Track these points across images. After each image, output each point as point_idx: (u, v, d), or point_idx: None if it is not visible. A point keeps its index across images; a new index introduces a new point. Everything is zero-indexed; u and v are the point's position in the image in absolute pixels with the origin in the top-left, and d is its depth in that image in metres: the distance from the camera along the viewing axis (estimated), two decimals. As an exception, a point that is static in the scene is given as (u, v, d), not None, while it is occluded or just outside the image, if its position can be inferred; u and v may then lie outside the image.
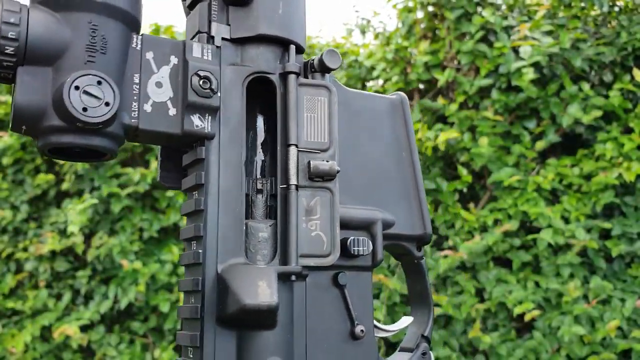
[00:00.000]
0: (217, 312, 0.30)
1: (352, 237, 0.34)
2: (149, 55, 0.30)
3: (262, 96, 0.34)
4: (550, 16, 2.13)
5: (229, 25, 0.33)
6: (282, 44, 0.33)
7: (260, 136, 0.34)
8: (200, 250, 0.30)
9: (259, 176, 0.34)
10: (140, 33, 0.31)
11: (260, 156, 0.34)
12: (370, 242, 0.34)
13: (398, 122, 0.37)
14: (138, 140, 0.31)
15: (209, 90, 0.30)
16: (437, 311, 1.84)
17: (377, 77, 2.20)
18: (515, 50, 2.01)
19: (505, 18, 2.13)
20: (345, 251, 0.33)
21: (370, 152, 0.36)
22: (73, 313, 2.18)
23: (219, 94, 0.31)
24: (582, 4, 2.13)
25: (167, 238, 2.23)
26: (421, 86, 2.22)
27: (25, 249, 2.29)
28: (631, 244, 1.94)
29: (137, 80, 0.30)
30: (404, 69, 2.19)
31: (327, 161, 0.32)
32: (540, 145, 1.99)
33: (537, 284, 1.92)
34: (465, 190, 2.07)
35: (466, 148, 1.99)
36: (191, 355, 0.31)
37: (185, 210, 0.32)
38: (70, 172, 2.25)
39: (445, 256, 1.90)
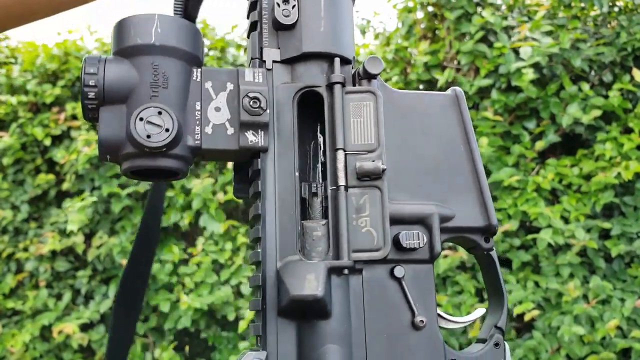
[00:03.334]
0: (277, 305, 0.34)
1: (404, 232, 0.35)
2: (208, 84, 0.36)
3: (317, 108, 0.37)
4: (550, 16, 2.14)
5: (279, 48, 0.37)
6: (326, 58, 0.37)
7: (317, 144, 0.38)
8: (259, 250, 0.35)
9: (316, 180, 0.37)
10: (199, 68, 0.37)
11: (317, 162, 0.38)
12: (423, 236, 0.35)
13: (453, 117, 0.38)
14: (204, 159, 0.37)
15: (258, 109, 0.35)
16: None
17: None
18: (515, 50, 2.01)
19: (505, 18, 2.13)
20: (398, 245, 0.35)
21: (424, 149, 0.37)
22: (73, 313, 2.18)
23: (268, 111, 0.36)
24: (582, 4, 2.13)
25: (167, 238, 2.23)
26: (421, 86, 2.22)
27: (25, 249, 2.29)
28: (631, 243, 1.94)
29: (198, 108, 0.35)
30: (404, 69, 2.19)
31: (373, 161, 0.35)
32: (540, 145, 1.99)
33: (536, 284, 1.92)
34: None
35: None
36: (258, 344, 0.35)
37: (250, 215, 0.37)
38: (71, 172, 2.25)
39: (445, 256, 1.90)
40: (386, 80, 2.19)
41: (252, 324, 0.36)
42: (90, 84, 0.34)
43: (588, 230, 1.93)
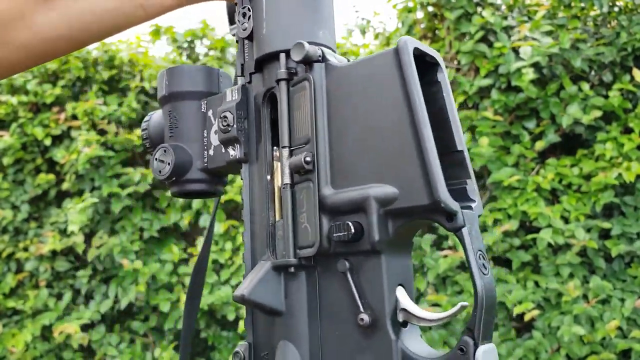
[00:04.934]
0: None
1: (333, 223, 0.33)
2: (210, 112, 0.41)
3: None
4: (550, 16, 2.14)
5: (254, 60, 0.39)
6: (276, 57, 0.37)
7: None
8: (243, 252, 0.38)
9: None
10: (206, 100, 0.43)
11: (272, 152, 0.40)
12: (352, 225, 0.32)
13: (395, 77, 0.32)
14: (216, 176, 0.43)
15: (227, 126, 0.39)
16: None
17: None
18: (515, 50, 2.01)
19: (505, 18, 2.13)
20: (329, 239, 0.33)
21: (367, 124, 0.33)
22: (73, 312, 2.18)
23: (235, 126, 0.38)
24: (582, 4, 2.13)
25: (167, 238, 2.24)
26: None
27: (25, 249, 2.29)
28: (631, 243, 1.94)
29: (205, 135, 0.41)
30: (404, 69, 2.19)
31: (305, 150, 0.35)
32: (540, 145, 1.99)
33: (536, 284, 1.92)
34: (465, 190, 2.07)
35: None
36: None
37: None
38: (71, 172, 2.25)
39: (445, 256, 1.90)
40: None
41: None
42: (144, 136, 0.46)
43: (588, 230, 1.93)
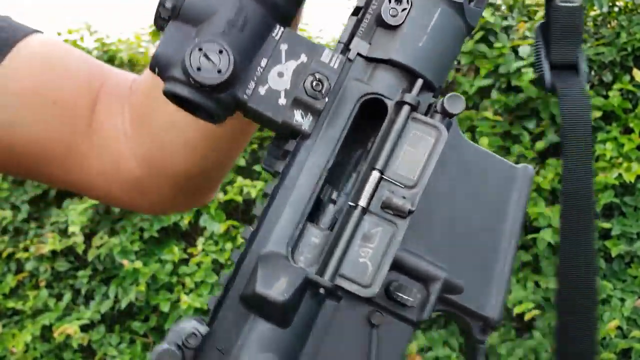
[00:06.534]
0: (242, 289, 0.31)
1: (400, 282, 0.32)
2: (283, 47, 0.33)
3: (378, 119, 0.33)
4: (550, 16, 2.14)
5: (370, 44, 0.33)
6: (411, 74, 0.33)
7: (362, 155, 0.34)
8: (252, 228, 0.32)
9: (340, 189, 0.34)
10: (283, 29, 0.33)
11: (353, 172, 0.34)
12: (419, 295, 0.31)
13: (511, 194, 0.33)
14: (246, 116, 0.34)
15: (318, 93, 0.32)
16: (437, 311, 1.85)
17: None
18: (515, 50, 2.02)
19: (505, 18, 2.14)
20: (388, 292, 0.31)
21: (465, 211, 0.33)
22: (73, 313, 2.18)
23: (326, 99, 0.32)
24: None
25: (167, 238, 2.24)
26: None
27: (25, 249, 2.29)
28: (631, 244, 1.94)
29: (263, 65, 0.32)
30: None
31: (404, 197, 0.31)
32: (540, 145, 2.00)
33: (537, 284, 1.92)
34: (465, 190, 2.07)
35: (466, 148, 1.99)
36: (209, 315, 0.32)
37: (265, 190, 0.34)
38: (71, 172, 2.25)
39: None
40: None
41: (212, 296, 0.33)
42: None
43: (588, 230, 1.93)
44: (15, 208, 2.36)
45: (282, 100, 0.32)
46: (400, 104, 0.32)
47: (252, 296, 0.30)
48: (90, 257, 2.16)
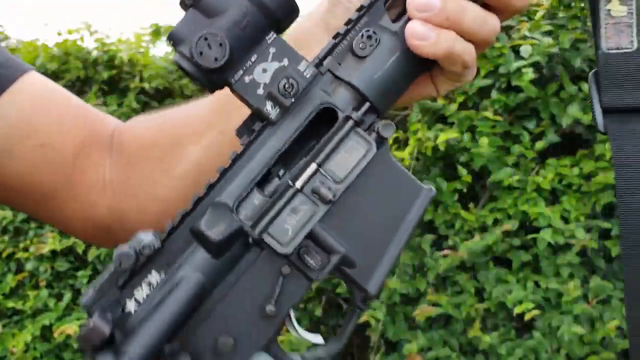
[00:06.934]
0: (193, 223, 0.39)
1: (311, 248, 0.40)
2: (272, 50, 0.41)
3: (331, 124, 0.42)
4: (550, 16, 2.14)
5: (340, 65, 0.42)
6: (362, 98, 0.41)
7: (309, 151, 0.42)
8: (212, 181, 0.41)
9: (288, 170, 0.42)
10: (277, 35, 0.41)
11: (300, 160, 0.42)
12: (320, 261, 0.40)
13: (413, 206, 0.42)
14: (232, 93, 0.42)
15: (287, 93, 0.40)
16: (437, 311, 1.85)
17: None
18: (515, 50, 2.02)
19: (505, 18, 2.14)
20: (299, 254, 0.40)
21: (375, 211, 0.42)
22: (74, 313, 2.18)
23: (293, 100, 0.40)
24: (582, 4, 2.14)
25: (167, 238, 2.24)
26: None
27: (25, 249, 2.29)
28: (631, 243, 1.94)
29: (253, 59, 0.40)
30: (404, 69, 2.19)
31: (330, 189, 0.40)
32: (539, 145, 2.00)
33: (536, 284, 1.92)
34: (465, 190, 2.07)
35: (466, 148, 1.99)
36: (164, 235, 0.41)
37: (231, 155, 0.42)
38: (71, 172, 2.26)
39: (445, 256, 1.90)
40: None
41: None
42: None
43: (588, 230, 1.93)
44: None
45: (260, 91, 0.40)
46: (347, 118, 0.41)
47: (197, 231, 0.38)
48: (90, 257, 2.16)
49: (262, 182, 0.41)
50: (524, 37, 2.01)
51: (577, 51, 2.02)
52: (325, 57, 0.42)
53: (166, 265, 0.40)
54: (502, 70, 1.98)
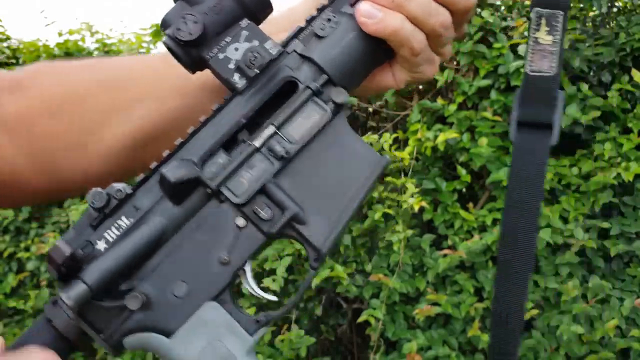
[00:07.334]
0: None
1: (263, 202, 0.44)
2: (244, 33, 0.46)
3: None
4: (549, 17, 2.15)
5: (305, 46, 0.46)
6: (321, 72, 0.46)
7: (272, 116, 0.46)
8: (182, 140, 0.45)
9: (247, 133, 0.46)
10: (249, 22, 0.46)
11: (262, 124, 0.46)
12: (273, 215, 0.43)
13: (366, 171, 0.45)
14: (202, 69, 0.47)
15: (252, 64, 0.45)
16: (437, 310, 1.86)
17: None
18: (514, 50, 2.02)
19: (504, 19, 2.14)
20: (254, 208, 0.44)
21: (331, 174, 0.45)
22: (74, 312, 2.19)
23: (257, 71, 0.45)
24: (581, 5, 2.14)
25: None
26: (420, 87, 2.23)
27: (27, 249, 2.30)
28: (630, 243, 1.95)
29: (227, 40, 0.45)
30: (403, 69, 2.20)
31: (285, 148, 0.44)
32: (539, 145, 2.00)
33: (536, 283, 1.93)
34: (464, 190, 2.08)
35: (465, 148, 2.00)
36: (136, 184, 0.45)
37: (200, 119, 0.46)
38: (72, 172, 2.26)
39: (445, 255, 1.91)
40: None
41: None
42: None
43: (587, 230, 1.94)
44: (16, 208, 2.37)
45: (231, 65, 0.45)
46: (306, 88, 0.45)
47: (160, 174, 0.42)
48: (91, 256, 2.17)
49: (228, 145, 0.45)
50: (523, 38, 2.02)
51: (576, 51, 2.03)
52: (291, 39, 0.47)
53: (135, 211, 0.43)
54: (501, 70, 1.99)
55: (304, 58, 0.46)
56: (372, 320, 1.90)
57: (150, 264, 0.43)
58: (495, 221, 1.98)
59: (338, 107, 0.45)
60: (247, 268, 0.44)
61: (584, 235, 1.88)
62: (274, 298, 0.46)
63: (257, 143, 0.44)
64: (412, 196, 1.90)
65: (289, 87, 0.46)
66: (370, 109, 2.50)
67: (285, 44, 0.47)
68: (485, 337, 1.86)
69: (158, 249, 0.43)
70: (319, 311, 2.08)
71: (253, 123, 0.45)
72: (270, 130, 0.45)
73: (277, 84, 0.45)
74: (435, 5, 0.46)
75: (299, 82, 0.46)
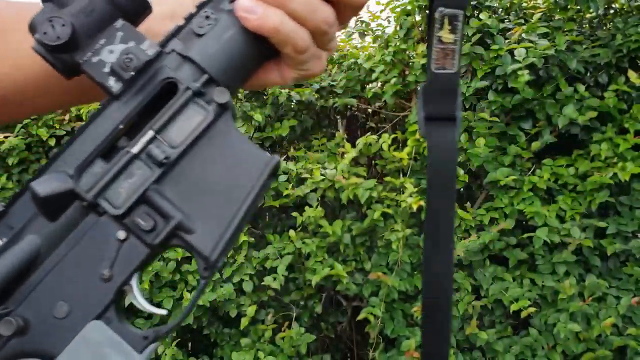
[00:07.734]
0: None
1: (142, 211, 0.41)
2: (119, 34, 0.42)
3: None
4: (546, 19, 2.17)
5: (184, 45, 0.44)
6: (201, 71, 0.43)
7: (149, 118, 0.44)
8: (57, 151, 0.42)
9: (127, 139, 0.43)
10: (124, 22, 0.43)
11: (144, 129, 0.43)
12: (155, 224, 0.41)
13: (254, 173, 0.42)
14: (78, 75, 0.43)
15: (127, 67, 0.42)
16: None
17: (376, 79, 2.24)
18: (512, 52, 2.04)
19: (502, 21, 2.17)
20: (135, 219, 0.41)
21: (218, 179, 0.42)
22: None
23: (132, 73, 0.42)
24: (578, 7, 2.17)
25: (169, 237, 2.26)
26: (419, 87, 2.25)
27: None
28: (626, 242, 1.97)
29: (101, 43, 0.42)
30: (402, 71, 2.22)
31: (165, 152, 0.41)
32: (536, 145, 2.03)
33: (533, 282, 1.95)
34: (462, 189, 2.10)
35: (463, 148, 2.02)
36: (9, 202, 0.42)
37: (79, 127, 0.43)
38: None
39: (443, 254, 1.93)
40: (385, 83, 2.23)
41: None
42: None
43: (584, 229, 1.96)
44: None
45: (106, 69, 0.42)
46: (186, 89, 0.42)
47: (30, 188, 0.39)
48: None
49: (108, 154, 0.42)
50: (519, 40, 2.04)
51: (573, 53, 2.05)
52: (170, 38, 0.44)
53: (9, 230, 0.41)
54: (498, 72, 2.01)
55: (184, 57, 0.43)
56: (372, 318, 1.92)
57: (26, 285, 0.40)
58: (492, 220, 2.00)
59: (221, 108, 0.43)
60: (134, 282, 0.42)
61: (581, 234, 1.90)
62: (163, 312, 0.44)
63: (135, 149, 0.41)
64: (410, 196, 1.92)
65: (170, 89, 0.43)
66: (370, 110, 2.53)
67: (164, 43, 0.44)
68: (483, 335, 1.88)
69: (34, 269, 0.40)
70: (319, 309, 2.10)
71: (136, 128, 0.42)
72: (149, 135, 0.42)
73: (155, 86, 0.43)
74: (317, 2, 0.44)
75: (179, 82, 0.43)
